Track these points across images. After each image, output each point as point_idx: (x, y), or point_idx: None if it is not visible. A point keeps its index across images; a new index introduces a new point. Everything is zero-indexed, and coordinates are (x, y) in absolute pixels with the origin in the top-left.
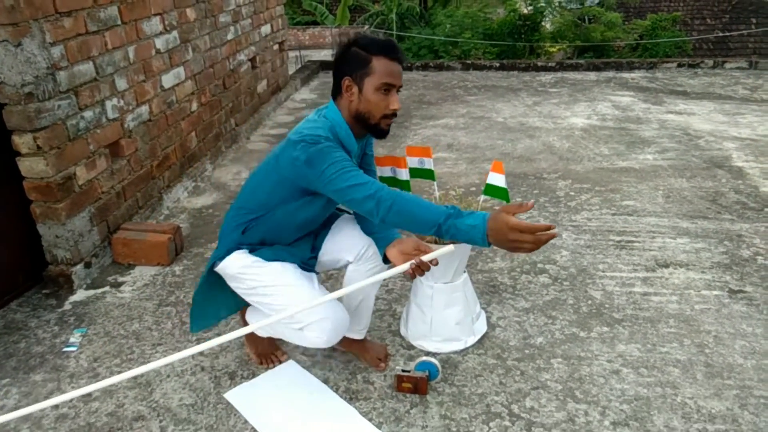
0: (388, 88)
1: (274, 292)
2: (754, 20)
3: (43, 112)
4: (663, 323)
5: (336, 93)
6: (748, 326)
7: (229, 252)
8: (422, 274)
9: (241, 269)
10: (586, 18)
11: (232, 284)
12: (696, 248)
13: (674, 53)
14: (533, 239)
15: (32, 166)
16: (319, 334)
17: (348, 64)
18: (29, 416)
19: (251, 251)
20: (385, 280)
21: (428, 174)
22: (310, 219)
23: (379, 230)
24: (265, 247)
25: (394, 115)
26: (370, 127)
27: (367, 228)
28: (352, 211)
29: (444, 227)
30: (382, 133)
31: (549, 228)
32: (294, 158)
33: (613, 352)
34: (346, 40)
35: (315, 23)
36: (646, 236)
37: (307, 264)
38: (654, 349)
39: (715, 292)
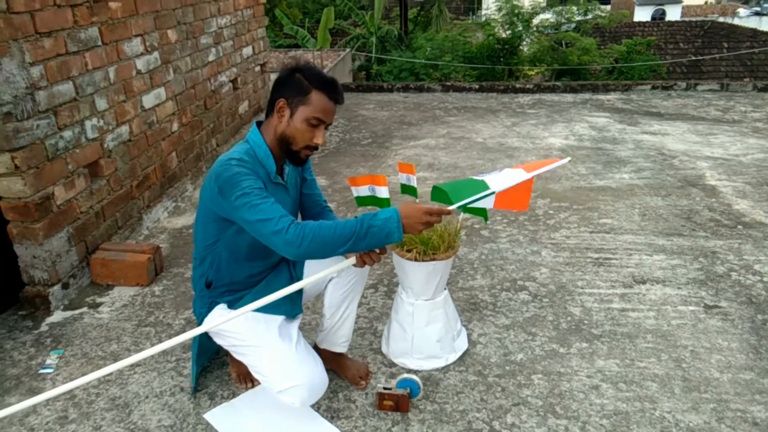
0: (317, 123)
1: (246, 352)
2: (725, 44)
3: (21, 131)
4: (641, 338)
5: (269, 113)
6: (724, 341)
7: (210, 309)
8: (372, 262)
9: (221, 327)
10: (564, 42)
11: (217, 340)
12: (672, 265)
13: (649, 76)
14: (438, 219)
15: (10, 186)
16: (293, 400)
17: (287, 88)
18: None
19: (230, 305)
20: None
21: (412, 191)
22: (258, 242)
23: None
24: (240, 294)
25: (316, 148)
26: (291, 153)
27: None
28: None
29: (362, 232)
30: (299, 161)
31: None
32: (211, 189)
33: (592, 368)
34: (293, 64)
35: (297, 46)
36: (624, 253)
37: (294, 306)
38: (632, 364)
39: (691, 308)
